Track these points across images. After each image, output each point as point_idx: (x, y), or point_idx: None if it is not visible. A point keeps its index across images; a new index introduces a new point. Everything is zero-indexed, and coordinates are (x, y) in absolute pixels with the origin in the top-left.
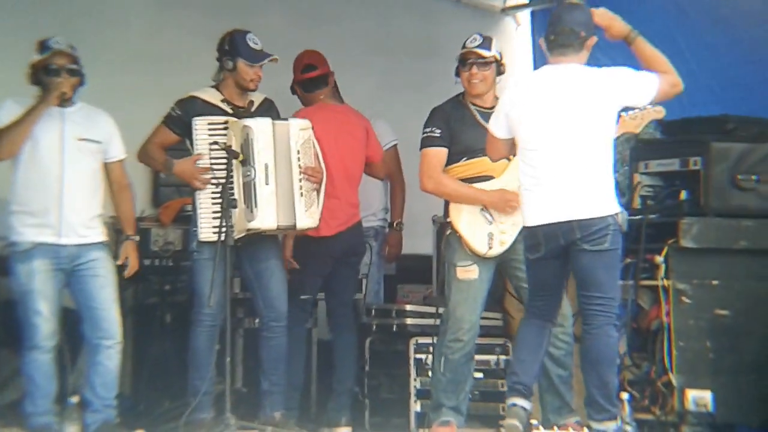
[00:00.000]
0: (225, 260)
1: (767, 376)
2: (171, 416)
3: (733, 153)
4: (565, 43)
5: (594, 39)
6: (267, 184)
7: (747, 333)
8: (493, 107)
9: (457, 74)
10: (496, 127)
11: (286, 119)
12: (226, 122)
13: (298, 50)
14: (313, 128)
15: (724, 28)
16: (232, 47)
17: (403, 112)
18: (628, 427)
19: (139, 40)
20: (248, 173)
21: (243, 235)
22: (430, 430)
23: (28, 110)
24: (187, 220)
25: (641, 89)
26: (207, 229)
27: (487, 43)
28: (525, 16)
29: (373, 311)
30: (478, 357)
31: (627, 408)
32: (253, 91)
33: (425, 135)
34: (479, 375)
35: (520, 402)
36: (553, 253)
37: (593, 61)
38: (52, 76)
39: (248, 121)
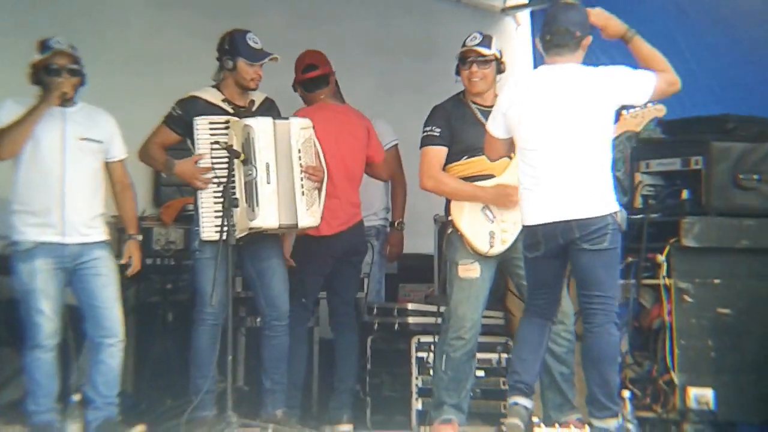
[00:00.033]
0: (227, 259)
1: None
2: (173, 414)
3: (734, 152)
4: (561, 43)
5: (589, 38)
6: (268, 183)
7: (748, 332)
8: (493, 106)
9: (458, 73)
10: (494, 126)
11: (286, 118)
12: (227, 122)
13: (298, 50)
14: (313, 127)
15: (724, 28)
16: (232, 47)
17: (403, 112)
18: (629, 425)
19: (139, 40)
20: (249, 172)
21: (245, 234)
22: (431, 428)
23: (30, 110)
24: (188, 219)
25: (639, 88)
26: (209, 228)
27: (487, 41)
28: (525, 16)
29: (375, 310)
30: (479, 355)
31: (629, 406)
32: (254, 90)
33: (425, 134)
34: (481, 373)
35: (522, 401)
36: (552, 252)
37: (593, 60)
38: (53, 76)
39: (249, 121)
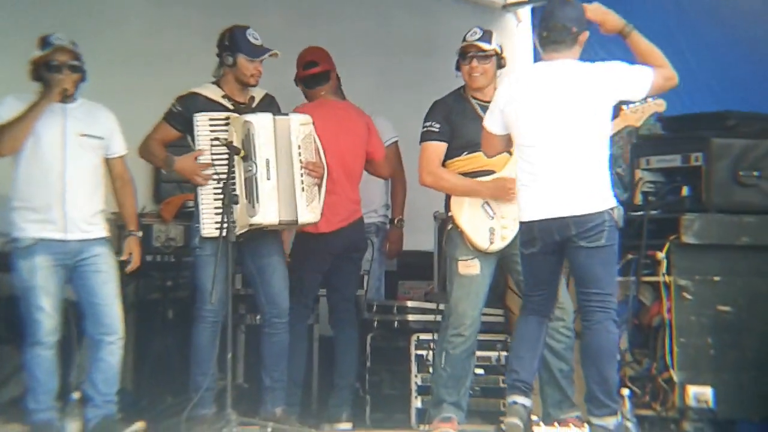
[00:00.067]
0: (227, 256)
1: None
2: (172, 412)
3: (734, 149)
4: (558, 39)
5: (586, 34)
6: (268, 179)
7: (748, 329)
8: None
9: (458, 68)
10: (492, 123)
11: (286, 114)
12: (227, 118)
13: (298, 48)
14: (313, 124)
15: (724, 27)
16: (232, 43)
17: (402, 110)
18: (628, 423)
19: (139, 38)
20: (250, 168)
21: (245, 230)
22: (430, 426)
23: (30, 106)
24: (188, 216)
25: (636, 83)
26: (209, 224)
27: (487, 36)
28: (525, 12)
29: (375, 307)
30: (479, 353)
31: (628, 404)
32: (254, 86)
33: (425, 129)
34: (480, 371)
35: (521, 399)
36: (548, 249)
37: (591, 56)
38: (54, 73)
39: (249, 117)
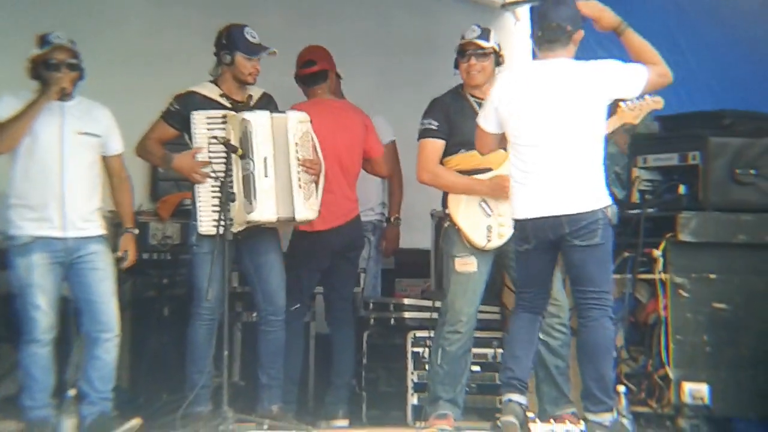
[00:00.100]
0: (224, 254)
1: (764, 369)
2: (169, 409)
3: (731, 147)
4: (552, 38)
5: (581, 33)
6: (266, 176)
7: (745, 327)
8: None
9: (456, 66)
10: (486, 121)
11: (283, 112)
12: (224, 116)
13: (298, 48)
14: (310, 122)
15: (724, 27)
16: (230, 41)
17: (402, 109)
18: (624, 420)
19: (139, 38)
20: (247, 166)
21: (243, 228)
22: (427, 423)
23: (28, 104)
24: (185, 214)
25: (630, 81)
26: (207, 222)
27: (485, 34)
28: (524, 11)
29: (371, 305)
30: (475, 350)
31: (624, 401)
32: (252, 84)
33: (423, 126)
34: (476, 368)
35: (516, 397)
36: (541, 246)
37: (590, 55)
38: (52, 71)
39: (247, 114)
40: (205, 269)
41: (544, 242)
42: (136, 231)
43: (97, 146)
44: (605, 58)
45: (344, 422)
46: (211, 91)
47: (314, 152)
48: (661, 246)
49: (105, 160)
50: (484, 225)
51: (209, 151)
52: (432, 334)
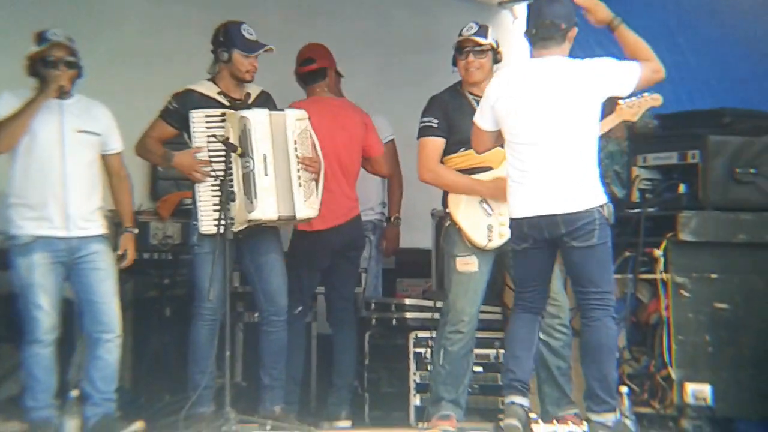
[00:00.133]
0: (225, 254)
1: (766, 369)
2: (171, 410)
3: (731, 146)
4: (547, 36)
5: (575, 30)
6: (266, 174)
7: (746, 326)
8: None
9: (454, 63)
10: (482, 119)
11: (282, 110)
12: (223, 114)
13: (297, 46)
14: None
15: (722, 24)
16: (227, 38)
17: (401, 107)
18: (627, 421)
19: (139, 37)
20: (247, 164)
21: (244, 227)
22: (429, 424)
23: (27, 103)
24: (185, 213)
25: (623, 79)
26: (208, 221)
27: (483, 30)
28: (522, 9)
29: (373, 305)
30: (477, 351)
31: (626, 401)
32: (249, 82)
33: (423, 124)
34: (478, 369)
35: (518, 400)
36: (538, 245)
37: (589, 53)
38: (51, 69)
39: (245, 112)
40: (206, 269)
41: (540, 241)
42: (136, 230)
43: (97, 145)
44: (603, 56)
45: (347, 423)
46: (209, 89)
47: (313, 150)
48: (662, 246)
49: (104, 158)
50: (484, 224)
51: (209, 150)
52: (434, 335)
